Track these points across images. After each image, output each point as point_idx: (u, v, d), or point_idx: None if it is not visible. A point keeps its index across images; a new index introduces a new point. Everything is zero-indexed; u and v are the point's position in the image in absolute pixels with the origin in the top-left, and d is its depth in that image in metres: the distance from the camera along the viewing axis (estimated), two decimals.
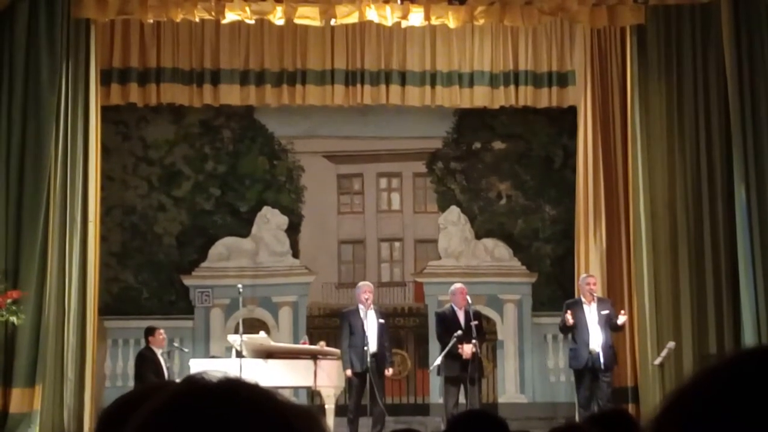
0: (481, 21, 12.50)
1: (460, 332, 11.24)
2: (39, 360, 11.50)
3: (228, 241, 13.96)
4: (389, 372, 11.67)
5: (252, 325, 12.99)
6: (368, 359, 11.22)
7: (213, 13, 12.18)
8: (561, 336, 13.12)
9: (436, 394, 13.15)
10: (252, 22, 12.46)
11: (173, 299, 13.79)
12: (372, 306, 11.59)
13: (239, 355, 11.31)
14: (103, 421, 1.61)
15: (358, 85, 13.29)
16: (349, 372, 11.36)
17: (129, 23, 13.04)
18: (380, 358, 11.38)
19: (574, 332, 11.53)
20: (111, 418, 1.60)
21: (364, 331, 11.38)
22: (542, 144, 14.21)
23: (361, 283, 11.99)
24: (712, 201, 12.38)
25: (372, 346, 11.28)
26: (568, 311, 11.47)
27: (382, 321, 11.58)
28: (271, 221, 14.02)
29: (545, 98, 13.51)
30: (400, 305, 14.07)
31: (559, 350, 13.64)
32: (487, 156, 14.28)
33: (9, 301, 11.15)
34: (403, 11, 12.16)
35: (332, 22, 12.36)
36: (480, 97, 13.44)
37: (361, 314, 11.52)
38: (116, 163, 13.77)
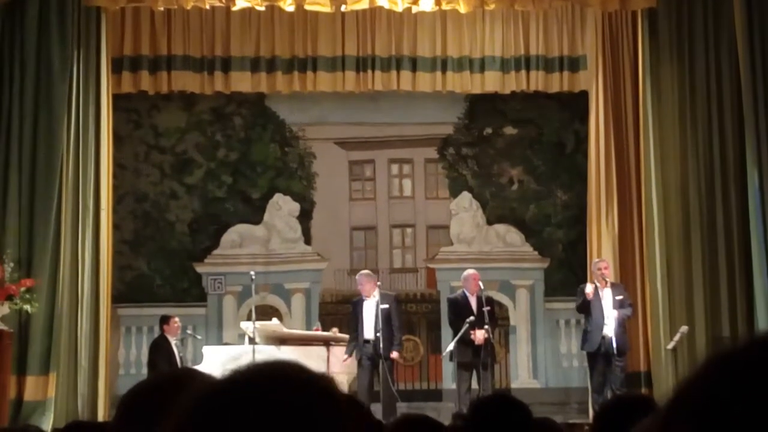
0: (492, 6, 12.47)
1: (472, 318, 11.24)
2: (53, 348, 11.56)
3: (240, 228, 13.99)
4: (395, 355, 11.56)
5: (265, 312, 13.03)
6: (362, 346, 11.34)
7: (223, 1, 12.18)
8: (573, 321, 13.12)
9: (448, 380, 13.16)
10: (262, 9, 12.45)
11: (186, 286, 13.83)
12: (374, 293, 11.54)
13: (252, 341, 11.35)
14: (124, 406, 1.62)
15: (369, 72, 13.27)
16: (346, 358, 11.44)
17: (139, 11, 13.04)
18: (377, 344, 11.32)
19: (588, 316, 11.54)
20: (132, 404, 1.61)
21: (363, 320, 11.46)
22: (554, 129, 14.18)
23: (358, 275, 11.97)
24: (724, 185, 12.35)
25: (368, 333, 11.34)
26: (588, 286, 11.47)
27: (384, 306, 11.47)
28: (283, 208, 14.04)
29: (556, 83, 13.47)
30: (413, 291, 14.07)
31: (571, 335, 13.63)
32: (498, 141, 14.26)
33: (22, 289, 11.19)
34: None
35: (343, 8, 12.35)
36: (491, 82, 13.40)
37: (364, 303, 11.55)
38: (128, 151, 13.80)
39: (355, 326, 11.52)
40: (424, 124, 14.20)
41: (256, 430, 1.07)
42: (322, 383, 1.13)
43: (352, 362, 11.48)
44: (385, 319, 11.45)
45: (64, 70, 11.89)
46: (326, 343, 11.48)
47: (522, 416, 3.24)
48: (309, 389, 1.11)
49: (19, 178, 11.78)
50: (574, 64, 13.50)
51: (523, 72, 13.39)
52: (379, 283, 11.74)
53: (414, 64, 13.34)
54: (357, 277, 11.93)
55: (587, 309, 11.59)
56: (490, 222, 14.16)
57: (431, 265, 14.17)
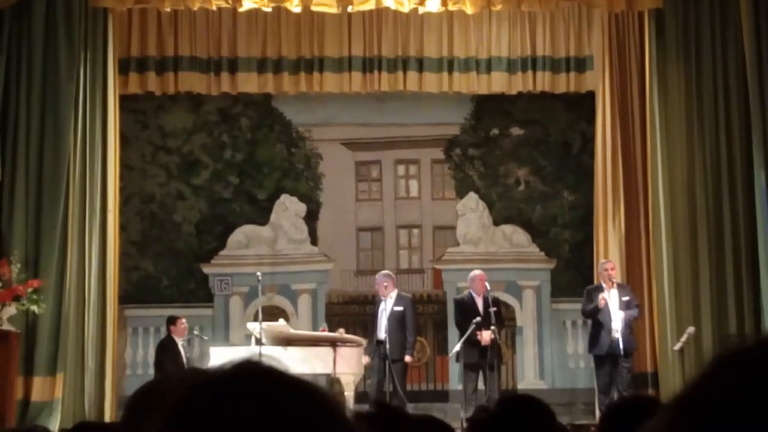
0: (499, 6, 12.46)
1: (478, 319, 11.25)
2: (60, 349, 11.56)
3: (247, 229, 13.99)
4: (408, 359, 11.70)
5: (271, 313, 13.02)
6: (375, 346, 11.52)
7: (230, 1, 12.19)
8: (580, 322, 13.10)
9: (455, 381, 13.16)
10: (269, 9, 12.45)
11: (192, 287, 13.83)
12: (392, 294, 11.68)
13: (259, 342, 11.35)
14: (131, 407, 1.62)
15: (376, 72, 13.26)
16: (364, 359, 11.53)
17: (146, 12, 13.05)
18: (385, 345, 11.40)
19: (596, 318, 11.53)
20: (139, 405, 1.61)
21: (377, 321, 11.66)
22: (560, 129, 14.17)
23: (377, 274, 12.13)
24: (731, 185, 12.33)
25: (380, 333, 11.51)
26: (601, 297, 11.40)
27: (398, 308, 11.62)
28: (289, 209, 14.05)
29: (563, 83, 13.45)
30: (419, 292, 14.05)
31: (578, 336, 13.62)
32: (505, 142, 14.25)
33: (29, 290, 11.20)
34: None
35: (349, 9, 12.34)
36: (498, 83, 13.39)
37: (381, 304, 11.68)
38: (135, 152, 13.81)
39: (374, 326, 11.71)
40: (430, 125, 14.20)
41: (252, 425, 1.06)
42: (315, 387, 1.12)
43: (359, 363, 11.51)
44: (398, 321, 11.52)
45: (71, 71, 11.90)
46: (333, 343, 11.47)
47: (546, 418, 3.25)
48: (305, 389, 1.10)
49: (26, 178, 11.79)
50: (580, 64, 13.48)
51: (530, 72, 13.37)
52: (386, 284, 11.77)
53: (420, 65, 13.33)
54: (377, 276, 12.11)
55: (591, 316, 11.62)
56: (496, 223, 14.16)
57: (438, 266, 14.16)
